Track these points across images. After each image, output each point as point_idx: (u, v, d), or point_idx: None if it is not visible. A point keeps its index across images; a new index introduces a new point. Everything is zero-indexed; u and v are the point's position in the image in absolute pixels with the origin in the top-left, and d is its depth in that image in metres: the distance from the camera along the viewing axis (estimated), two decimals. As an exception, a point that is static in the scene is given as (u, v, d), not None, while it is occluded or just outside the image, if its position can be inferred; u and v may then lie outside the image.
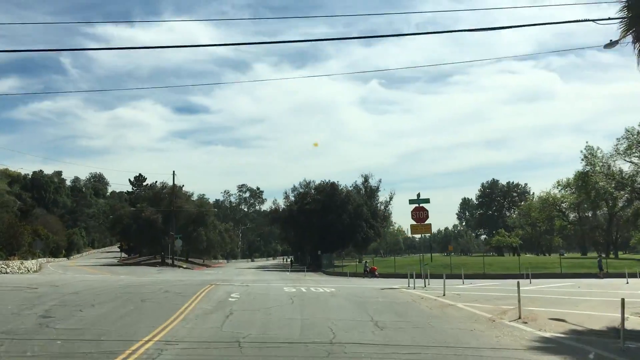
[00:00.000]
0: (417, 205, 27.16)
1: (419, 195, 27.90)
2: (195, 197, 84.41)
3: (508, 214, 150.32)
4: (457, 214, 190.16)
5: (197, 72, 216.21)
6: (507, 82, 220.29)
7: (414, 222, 27.14)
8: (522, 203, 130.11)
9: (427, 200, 27.57)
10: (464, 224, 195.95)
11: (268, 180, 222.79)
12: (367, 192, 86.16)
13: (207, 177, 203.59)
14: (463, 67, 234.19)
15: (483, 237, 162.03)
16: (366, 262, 51.06)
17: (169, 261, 70.75)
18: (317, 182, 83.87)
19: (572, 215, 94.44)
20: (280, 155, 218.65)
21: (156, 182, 78.35)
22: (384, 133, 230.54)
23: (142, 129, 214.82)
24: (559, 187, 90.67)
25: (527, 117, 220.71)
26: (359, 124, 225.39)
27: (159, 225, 69.71)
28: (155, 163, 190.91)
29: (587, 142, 62.73)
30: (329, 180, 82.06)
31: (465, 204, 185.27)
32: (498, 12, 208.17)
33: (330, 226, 74.50)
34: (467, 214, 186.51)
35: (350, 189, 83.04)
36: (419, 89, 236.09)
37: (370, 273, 50.56)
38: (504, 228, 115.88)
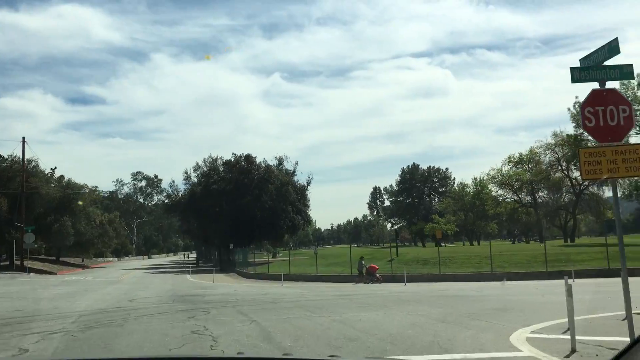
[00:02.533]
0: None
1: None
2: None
3: (428, 199, 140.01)
4: (367, 203, 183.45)
5: (92, 61, 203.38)
6: (404, 78, 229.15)
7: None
8: (455, 186, 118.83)
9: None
10: (374, 213, 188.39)
11: (170, 173, 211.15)
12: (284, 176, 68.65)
13: (104, 171, 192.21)
14: (363, 63, 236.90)
15: (397, 226, 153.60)
16: (362, 258, 34.28)
17: (23, 262, 49.91)
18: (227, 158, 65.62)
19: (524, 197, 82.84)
20: (182, 148, 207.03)
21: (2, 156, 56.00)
22: (286, 126, 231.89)
23: (31, 120, 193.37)
24: (510, 164, 79.09)
25: (423, 112, 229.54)
26: (262, 117, 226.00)
27: (3, 213, 48.87)
28: (46, 156, 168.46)
29: (576, 97, 49.06)
30: (243, 154, 64.22)
31: (376, 193, 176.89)
32: (396, 9, 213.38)
33: (246, 211, 57.11)
34: (378, 203, 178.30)
35: (271, 164, 65.56)
36: (320, 83, 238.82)
37: (369, 276, 33.82)
38: (437, 214, 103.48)
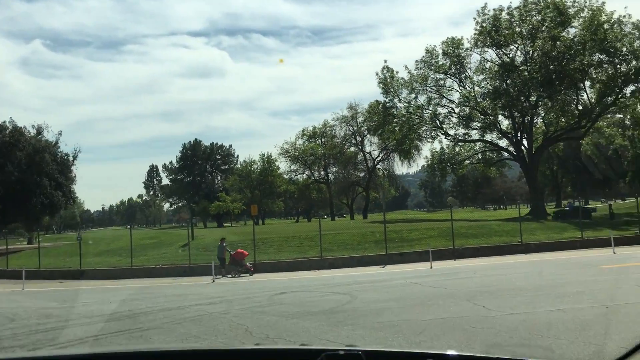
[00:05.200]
0: None
1: None
2: None
3: (211, 177, 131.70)
4: (144, 182, 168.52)
5: None
6: (181, 56, 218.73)
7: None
8: (239, 164, 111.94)
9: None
10: (151, 193, 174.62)
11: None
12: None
13: None
14: (137, 37, 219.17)
15: (177, 205, 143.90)
16: (224, 240, 23.39)
17: None
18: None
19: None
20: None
21: None
22: (51, 99, 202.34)
23: None
24: (304, 138, 74.58)
25: (200, 91, 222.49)
26: (20, 87, 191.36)
27: None
28: None
29: (385, 62, 44.87)
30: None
31: (153, 171, 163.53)
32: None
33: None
34: (155, 182, 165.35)
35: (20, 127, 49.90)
36: (90, 55, 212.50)
37: (234, 266, 23.67)
38: (224, 192, 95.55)
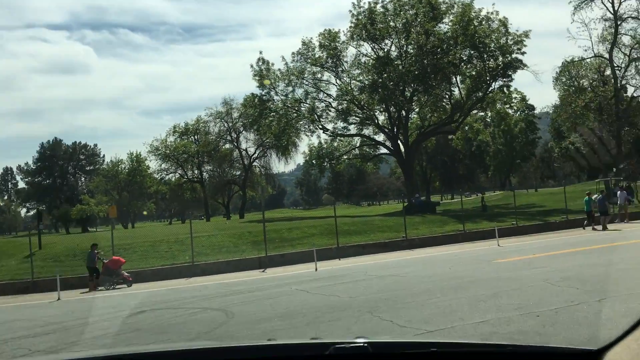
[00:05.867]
0: None
1: None
2: None
3: (74, 179, 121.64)
4: None
5: None
6: (40, 51, 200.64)
7: None
8: (105, 164, 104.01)
9: None
10: (5, 197, 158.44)
11: None
12: None
13: None
14: None
15: (35, 209, 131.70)
16: (95, 246, 18.07)
17: None
18: None
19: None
20: None
21: None
22: None
23: None
24: (175, 134, 70.05)
25: (62, 89, 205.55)
26: None
27: None
28: None
29: (260, 53, 42.70)
30: None
31: (7, 174, 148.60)
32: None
33: None
34: (10, 185, 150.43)
35: None
36: None
37: (109, 277, 19.85)
38: (87, 194, 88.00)
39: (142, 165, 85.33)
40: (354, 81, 46.49)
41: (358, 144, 51.80)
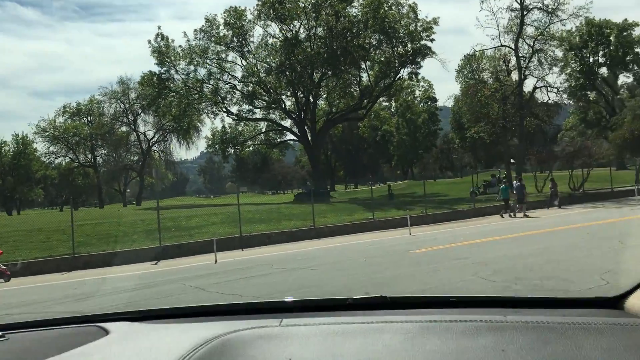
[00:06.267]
0: None
1: None
2: None
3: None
4: None
5: None
6: None
7: None
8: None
9: None
10: None
11: None
12: None
13: None
14: None
15: None
16: None
17: None
18: None
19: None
20: None
21: None
22: None
23: None
24: (66, 116, 64.40)
25: None
26: None
27: None
28: None
29: (159, 28, 39.75)
30: None
31: None
32: None
33: None
34: None
35: None
36: None
37: None
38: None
39: (28, 148, 78.17)
40: (261, 63, 44.38)
41: (264, 130, 49.84)
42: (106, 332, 1.86)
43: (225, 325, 1.75)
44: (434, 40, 40.55)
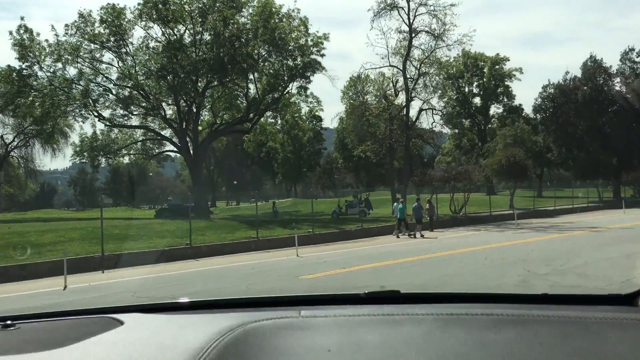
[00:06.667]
0: None
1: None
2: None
3: None
4: None
5: None
6: None
7: None
8: None
9: None
10: None
11: None
12: None
13: None
14: None
15: None
16: None
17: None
18: None
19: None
20: None
21: None
22: None
23: None
24: None
25: None
26: None
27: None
28: None
29: (22, 19, 35.69)
30: None
31: None
32: None
33: None
34: None
35: None
36: None
37: None
38: None
39: None
40: (140, 66, 40.91)
41: (141, 138, 46.07)
42: (120, 322, 1.80)
43: (245, 316, 1.72)
44: (324, 55, 39.85)
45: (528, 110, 74.32)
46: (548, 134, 58.89)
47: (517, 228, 27.65)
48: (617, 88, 57.27)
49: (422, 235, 25.63)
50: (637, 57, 59.86)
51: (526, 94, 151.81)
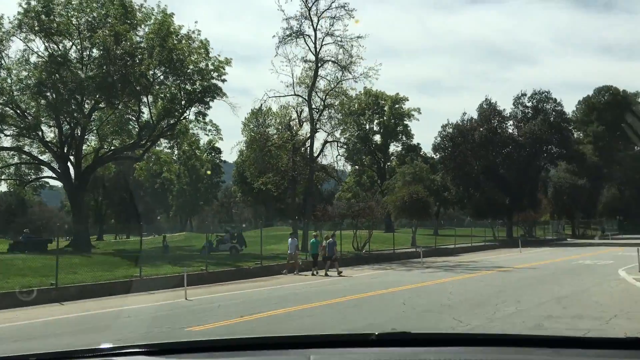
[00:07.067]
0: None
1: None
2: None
3: None
4: None
5: None
6: None
7: None
8: None
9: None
10: None
11: None
12: None
13: None
14: None
15: None
16: None
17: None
18: None
19: None
20: None
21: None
22: None
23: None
24: None
25: None
26: None
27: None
28: None
29: None
30: None
31: None
32: None
33: None
34: None
35: None
36: None
37: None
38: None
39: None
40: (15, 81, 36.44)
41: (14, 162, 40.99)
42: None
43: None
44: (226, 80, 37.56)
45: (426, 149, 76.14)
46: (447, 173, 60.00)
47: (423, 267, 26.57)
48: (510, 131, 59.89)
49: (326, 274, 23.88)
50: (529, 102, 63.27)
51: (423, 135, 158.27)
